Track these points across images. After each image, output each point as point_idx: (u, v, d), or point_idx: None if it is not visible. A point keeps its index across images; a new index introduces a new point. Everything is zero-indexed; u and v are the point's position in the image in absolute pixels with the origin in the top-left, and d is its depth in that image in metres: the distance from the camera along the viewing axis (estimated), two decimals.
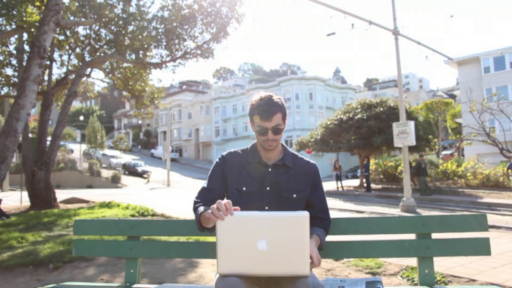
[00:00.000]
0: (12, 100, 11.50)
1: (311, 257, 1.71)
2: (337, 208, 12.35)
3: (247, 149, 2.01)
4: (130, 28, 12.31)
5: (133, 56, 12.50)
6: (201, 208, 1.82)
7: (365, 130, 19.24)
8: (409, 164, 19.53)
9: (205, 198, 1.92)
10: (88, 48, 12.91)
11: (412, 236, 2.09)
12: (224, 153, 2.02)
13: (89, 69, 12.71)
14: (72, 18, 11.86)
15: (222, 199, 1.93)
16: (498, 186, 17.18)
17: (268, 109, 1.81)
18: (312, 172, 1.98)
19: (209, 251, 2.15)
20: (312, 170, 1.98)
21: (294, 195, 1.89)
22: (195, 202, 1.94)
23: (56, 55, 12.66)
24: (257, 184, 1.89)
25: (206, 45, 12.34)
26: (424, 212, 11.65)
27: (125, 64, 13.37)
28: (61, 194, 13.67)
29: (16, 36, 10.80)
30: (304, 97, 45.46)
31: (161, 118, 60.08)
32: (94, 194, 16.39)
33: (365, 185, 19.73)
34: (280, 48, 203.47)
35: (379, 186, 20.88)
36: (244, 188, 1.88)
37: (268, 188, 1.88)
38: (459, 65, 29.62)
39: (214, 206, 1.54)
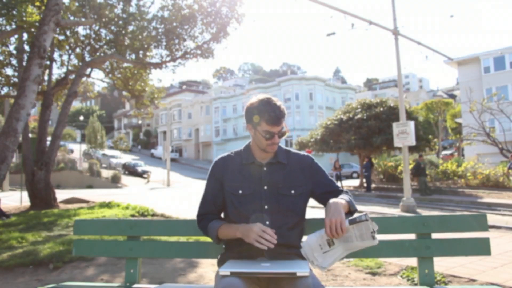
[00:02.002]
0: (12, 100, 11.50)
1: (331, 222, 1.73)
2: None
3: (241, 150, 2.01)
4: (130, 28, 12.31)
5: (133, 56, 12.50)
6: (213, 224, 1.91)
7: (365, 130, 19.23)
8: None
9: (207, 212, 1.98)
10: (88, 48, 12.91)
11: (412, 236, 2.09)
12: (217, 159, 2.02)
13: (89, 69, 12.70)
14: (72, 18, 11.85)
15: (222, 206, 1.96)
16: (498, 186, 17.17)
17: (278, 115, 1.82)
18: (308, 165, 1.97)
19: (209, 251, 2.15)
20: (307, 162, 1.98)
21: (292, 191, 1.89)
22: (199, 218, 2.00)
23: (56, 55, 12.67)
24: (254, 184, 1.89)
25: (206, 45, 12.33)
26: (424, 212, 11.64)
27: (125, 64, 13.36)
28: (61, 194, 13.66)
29: (16, 36, 10.79)
30: (304, 97, 45.48)
31: (161, 118, 60.09)
32: (94, 194, 16.39)
33: (365, 185, 19.73)
34: (280, 48, 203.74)
35: (379, 186, 20.87)
36: (240, 191, 1.89)
37: (265, 187, 1.88)
38: (459, 65, 29.61)
39: (257, 234, 1.68)
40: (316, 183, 1.95)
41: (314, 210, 3.68)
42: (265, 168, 1.92)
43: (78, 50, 13.07)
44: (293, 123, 43.83)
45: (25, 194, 11.29)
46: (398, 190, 17.84)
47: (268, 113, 1.82)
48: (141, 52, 12.33)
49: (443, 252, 2.02)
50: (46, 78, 11.72)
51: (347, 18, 12.20)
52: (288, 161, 1.96)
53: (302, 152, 2.03)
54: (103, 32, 12.74)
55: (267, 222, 1.84)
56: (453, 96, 56.91)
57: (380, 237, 2.15)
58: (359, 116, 20.05)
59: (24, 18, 9.15)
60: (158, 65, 12.55)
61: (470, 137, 19.77)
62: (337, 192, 1.96)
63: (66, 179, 30.08)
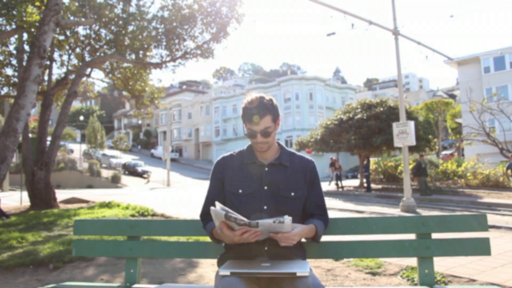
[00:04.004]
0: (12, 100, 11.50)
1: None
2: (337, 208, 12.35)
3: (243, 150, 2.01)
4: (130, 28, 12.31)
5: (133, 56, 12.50)
6: (208, 227, 1.92)
7: (365, 130, 19.23)
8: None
9: (207, 212, 1.97)
10: (88, 48, 12.91)
11: (412, 236, 2.09)
12: (219, 158, 2.02)
13: (89, 69, 12.70)
14: (72, 18, 11.86)
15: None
16: (498, 186, 17.18)
17: (256, 112, 1.80)
18: (309, 169, 1.97)
19: (209, 251, 2.15)
20: (309, 167, 1.98)
21: (292, 194, 1.89)
22: (201, 218, 2.01)
23: (56, 55, 12.67)
24: (255, 184, 1.89)
25: (206, 45, 12.33)
26: (424, 212, 11.65)
27: (125, 64, 13.36)
28: (61, 194, 13.66)
29: (16, 36, 10.79)
30: (304, 97, 45.46)
31: (161, 118, 60.09)
32: (94, 194, 16.39)
33: (365, 185, 19.74)
34: (280, 48, 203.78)
35: (379, 186, 20.88)
36: (240, 191, 1.89)
37: (265, 188, 1.88)
38: (459, 65, 29.62)
39: (235, 236, 1.63)
40: (309, 188, 1.96)
41: None
42: (266, 169, 1.92)
43: (78, 50, 13.07)
44: (293, 123, 43.83)
45: (25, 194, 11.29)
46: (398, 190, 17.84)
47: (249, 111, 1.82)
48: (141, 52, 12.33)
49: (443, 252, 2.02)
50: (46, 78, 11.73)
51: (347, 18, 12.21)
52: (291, 164, 1.95)
53: (306, 156, 2.02)
54: (103, 32, 12.74)
55: None
56: (453, 96, 56.91)
57: (380, 237, 2.16)
58: (359, 116, 20.05)
59: (24, 18, 9.15)
60: (158, 65, 12.55)
61: (470, 137, 19.76)
62: (321, 209, 1.97)
63: (66, 179, 30.09)
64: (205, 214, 1.99)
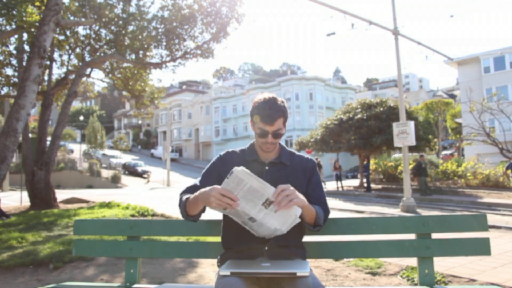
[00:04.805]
0: (12, 100, 11.50)
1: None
2: (337, 208, 12.34)
3: (245, 148, 2.03)
4: (130, 28, 12.31)
5: (133, 56, 12.49)
6: (182, 200, 1.83)
7: (365, 130, 19.24)
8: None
9: (187, 191, 1.91)
10: (88, 48, 12.90)
11: (412, 236, 2.09)
12: (221, 153, 2.02)
13: (89, 69, 12.70)
14: (72, 18, 11.86)
15: None
16: (498, 186, 17.18)
17: (271, 113, 1.81)
18: (309, 168, 1.98)
19: (209, 251, 2.15)
20: (309, 165, 1.99)
21: None
22: (181, 195, 1.91)
23: (56, 55, 12.66)
24: None
25: (206, 45, 12.33)
26: (424, 212, 11.64)
27: (125, 64, 13.36)
28: (61, 194, 13.66)
29: (16, 36, 10.79)
30: (304, 97, 45.48)
31: (161, 118, 60.09)
32: (94, 194, 16.38)
33: (365, 185, 19.73)
34: (280, 48, 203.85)
35: (379, 186, 20.88)
36: None
37: None
38: (459, 65, 29.62)
39: (216, 199, 1.56)
40: (308, 185, 1.96)
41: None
42: (267, 167, 1.93)
43: (78, 50, 13.07)
44: (293, 123, 43.83)
45: (25, 194, 11.29)
46: (398, 190, 17.84)
47: (263, 111, 1.83)
48: (141, 52, 12.32)
49: (443, 252, 2.02)
50: (46, 78, 11.72)
51: (347, 18, 12.22)
52: (291, 163, 1.97)
53: (306, 155, 2.04)
54: (103, 32, 12.74)
55: None
56: (453, 96, 56.89)
57: (380, 237, 2.16)
58: (359, 116, 20.05)
59: (24, 18, 9.14)
60: (158, 65, 12.55)
61: (470, 137, 19.76)
62: (321, 202, 1.96)
63: (66, 179, 30.09)
64: (182, 193, 1.92)
